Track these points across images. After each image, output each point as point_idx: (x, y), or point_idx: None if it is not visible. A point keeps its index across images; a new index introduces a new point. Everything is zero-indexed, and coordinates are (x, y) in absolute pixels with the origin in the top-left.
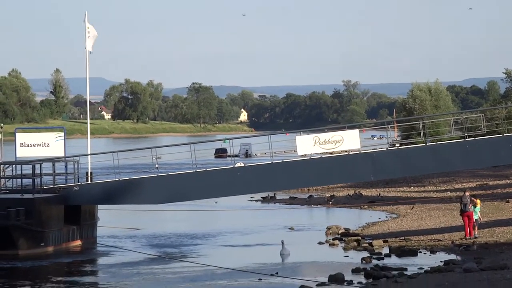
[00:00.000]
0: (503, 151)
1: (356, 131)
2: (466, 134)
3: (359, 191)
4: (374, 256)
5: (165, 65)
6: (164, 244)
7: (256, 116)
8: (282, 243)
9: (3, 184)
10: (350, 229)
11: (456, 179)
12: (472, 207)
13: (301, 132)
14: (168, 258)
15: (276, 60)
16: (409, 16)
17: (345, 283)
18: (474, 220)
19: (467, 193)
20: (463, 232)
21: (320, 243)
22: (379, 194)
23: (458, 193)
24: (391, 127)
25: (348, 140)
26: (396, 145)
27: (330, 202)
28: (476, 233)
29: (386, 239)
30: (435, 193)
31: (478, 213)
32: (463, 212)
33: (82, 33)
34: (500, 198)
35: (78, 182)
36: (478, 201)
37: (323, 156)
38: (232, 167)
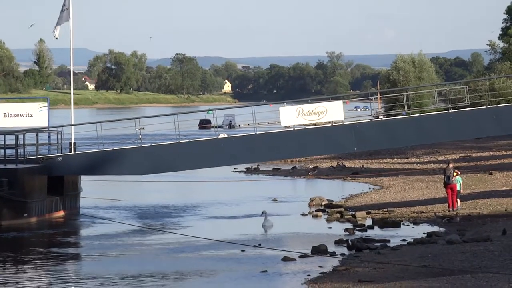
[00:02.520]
0: (487, 123)
1: (340, 102)
2: (449, 105)
3: (342, 163)
4: (357, 228)
5: (149, 35)
6: (147, 215)
7: (239, 87)
8: (264, 214)
9: None
10: (333, 201)
11: (439, 151)
12: (456, 179)
13: (285, 103)
14: (151, 229)
15: (260, 32)
16: None
17: (328, 255)
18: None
19: (450, 165)
20: (446, 204)
21: (303, 214)
22: (362, 165)
23: (441, 165)
24: (374, 98)
25: (331, 112)
26: (380, 117)
27: (310, 173)
28: (459, 205)
29: (369, 210)
30: (418, 165)
31: (460, 185)
32: (447, 184)
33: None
34: (483, 170)
35: (61, 153)
36: (457, 171)
37: (307, 127)
38: (215, 138)
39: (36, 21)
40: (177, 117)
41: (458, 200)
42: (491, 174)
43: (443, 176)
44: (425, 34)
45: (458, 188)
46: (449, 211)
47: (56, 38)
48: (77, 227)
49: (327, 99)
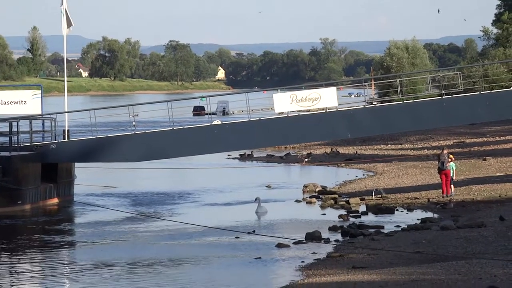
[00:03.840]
0: (480, 108)
1: (334, 88)
2: (443, 91)
3: (336, 149)
4: (351, 214)
5: (143, 22)
6: (141, 202)
7: (233, 74)
8: (258, 200)
9: None
10: (327, 187)
11: (433, 137)
12: (450, 165)
13: (279, 90)
14: (145, 216)
15: (253, 18)
16: None
17: (322, 241)
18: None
19: (445, 151)
20: (440, 190)
21: (297, 201)
22: (356, 152)
23: (435, 151)
24: (368, 84)
25: (325, 98)
26: (374, 103)
27: (306, 160)
28: (453, 191)
29: (363, 197)
30: (412, 151)
31: (453, 171)
32: (441, 170)
33: None
34: (477, 156)
35: (55, 140)
36: (452, 157)
37: (300, 113)
38: (209, 125)
39: (30, 10)
40: (171, 104)
41: (452, 186)
42: (485, 160)
43: (437, 162)
44: (418, 20)
45: (451, 174)
46: (443, 197)
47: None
48: (71, 215)
49: (320, 86)
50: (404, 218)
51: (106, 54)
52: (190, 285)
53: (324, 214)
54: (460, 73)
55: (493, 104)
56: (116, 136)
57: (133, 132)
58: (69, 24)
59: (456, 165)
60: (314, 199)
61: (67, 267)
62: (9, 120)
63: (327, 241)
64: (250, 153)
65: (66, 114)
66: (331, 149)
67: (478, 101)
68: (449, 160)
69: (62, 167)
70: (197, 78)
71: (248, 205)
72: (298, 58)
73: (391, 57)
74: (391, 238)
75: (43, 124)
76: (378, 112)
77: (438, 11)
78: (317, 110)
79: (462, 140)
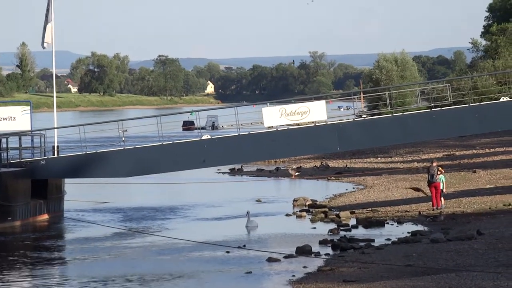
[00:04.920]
0: (470, 121)
1: (323, 102)
2: (432, 104)
3: (326, 163)
4: (341, 228)
5: (132, 37)
6: (131, 217)
7: (222, 88)
8: (248, 214)
9: None
10: (317, 201)
11: (423, 150)
12: (440, 177)
13: (268, 104)
14: (135, 231)
15: (242, 32)
16: None
17: (312, 255)
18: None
19: (434, 164)
20: (430, 203)
21: (287, 215)
22: (346, 165)
23: (425, 163)
24: (357, 98)
25: (314, 111)
26: (363, 116)
27: (294, 175)
28: (443, 203)
29: (353, 210)
30: (401, 164)
31: (443, 183)
32: (431, 183)
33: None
34: (467, 168)
35: (44, 156)
36: (442, 169)
37: (290, 127)
38: (198, 140)
39: (19, 26)
40: (160, 119)
41: (442, 198)
42: (474, 172)
43: (427, 175)
44: (407, 33)
45: (441, 187)
46: (433, 210)
47: (44, 46)
48: (61, 231)
49: (310, 99)
50: (395, 231)
51: (95, 69)
52: None
53: (315, 227)
54: (449, 86)
55: (483, 116)
56: (106, 152)
57: (122, 148)
58: (44, 40)
59: (445, 178)
60: (304, 213)
61: (57, 284)
62: None
63: (317, 255)
64: (240, 167)
65: (56, 130)
66: (321, 162)
67: (468, 113)
68: (439, 172)
69: (52, 183)
70: (186, 92)
71: (238, 219)
72: (287, 71)
73: (380, 69)
74: (381, 251)
75: (32, 140)
76: (368, 125)
77: None
78: (306, 124)
79: (451, 152)
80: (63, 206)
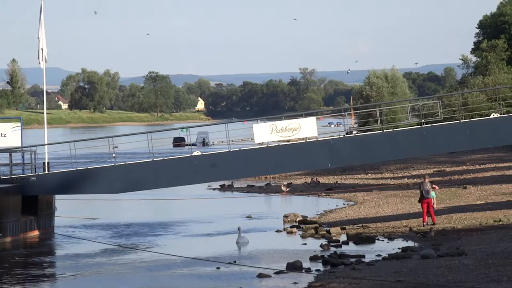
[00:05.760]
0: (460, 137)
1: (313, 118)
2: (423, 120)
3: (316, 179)
4: (332, 244)
5: (122, 54)
6: (121, 234)
7: (213, 104)
8: (239, 230)
9: None
10: (307, 217)
11: (413, 166)
12: (432, 194)
13: (258, 120)
14: (126, 248)
15: (232, 49)
16: (364, 3)
17: (303, 271)
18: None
19: (427, 180)
20: (421, 218)
21: (278, 231)
22: (337, 181)
23: (415, 180)
24: (348, 114)
25: (305, 128)
26: (353, 132)
27: (285, 191)
28: (432, 219)
29: (344, 226)
30: (392, 180)
31: (434, 200)
32: (424, 199)
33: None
34: (457, 185)
35: (35, 172)
36: (436, 187)
37: (280, 144)
38: (189, 156)
39: (9, 42)
40: (151, 136)
41: (432, 214)
42: (465, 188)
43: (419, 191)
44: (398, 49)
45: (433, 203)
46: (423, 226)
47: (41, 62)
48: (52, 247)
49: (300, 116)
50: (385, 247)
51: (86, 86)
52: None
53: (305, 243)
54: (439, 102)
55: (473, 133)
56: (96, 168)
57: (113, 164)
58: (39, 59)
59: (436, 194)
60: (294, 229)
61: None
62: None
63: (308, 270)
64: (231, 183)
65: (46, 146)
66: (312, 179)
67: (458, 129)
68: (432, 189)
69: (43, 199)
70: (176, 109)
71: (229, 235)
72: (277, 88)
73: (371, 86)
74: (372, 267)
75: (23, 156)
76: (358, 142)
77: None
78: (297, 140)
79: (442, 168)
80: (54, 222)
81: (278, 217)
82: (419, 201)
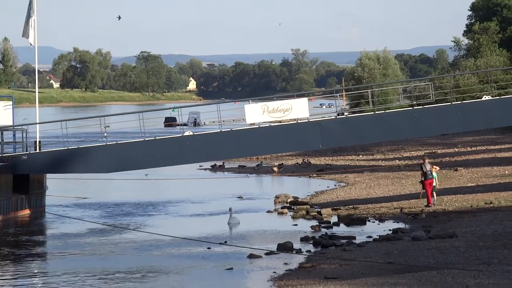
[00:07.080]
0: (452, 119)
1: (305, 99)
2: (414, 102)
3: (307, 160)
4: (323, 225)
5: (114, 33)
6: (112, 213)
7: (204, 84)
8: (230, 210)
9: None
10: (298, 198)
11: (404, 148)
12: (434, 174)
13: (250, 101)
14: (117, 227)
15: (224, 29)
16: None
17: (293, 252)
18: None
19: (427, 160)
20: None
21: (268, 211)
22: (328, 163)
23: (406, 161)
24: (339, 95)
25: (296, 109)
26: (345, 114)
27: (276, 172)
28: (435, 200)
29: (335, 207)
30: (383, 161)
31: (436, 180)
32: (427, 179)
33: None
34: (449, 167)
35: (26, 151)
36: (436, 168)
37: (272, 124)
38: (180, 136)
39: (1, 20)
40: (142, 115)
41: (434, 193)
42: (456, 170)
43: (421, 173)
44: (389, 31)
45: (434, 183)
46: (429, 206)
47: (31, 45)
48: (43, 226)
49: (292, 96)
50: (376, 228)
51: (77, 65)
52: None
53: (296, 224)
54: (431, 84)
55: (464, 115)
56: (88, 147)
57: (104, 143)
58: (29, 39)
59: (437, 174)
60: (285, 210)
61: (39, 279)
62: None
63: (299, 251)
64: (222, 164)
65: (38, 125)
66: (303, 159)
67: (449, 111)
68: (433, 169)
69: (34, 178)
70: (168, 89)
71: (220, 216)
72: (269, 69)
73: (363, 67)
74: (362, 248)
75: (14, 135)
76: (350, 123)
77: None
78: (288, 121)
79: (433, 150)
80: (45, 202)
81: (269, 198)
82: (421, 182)
